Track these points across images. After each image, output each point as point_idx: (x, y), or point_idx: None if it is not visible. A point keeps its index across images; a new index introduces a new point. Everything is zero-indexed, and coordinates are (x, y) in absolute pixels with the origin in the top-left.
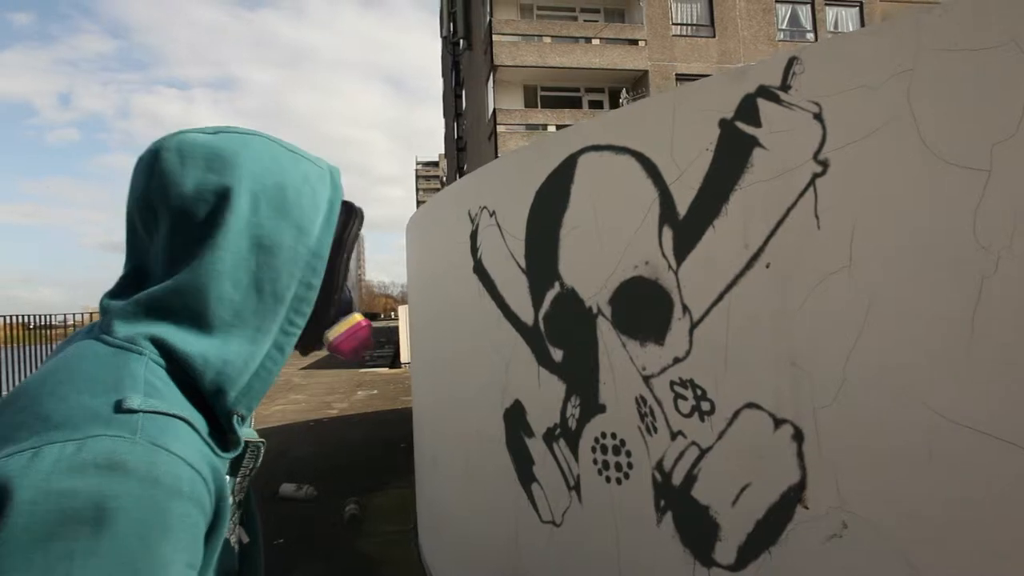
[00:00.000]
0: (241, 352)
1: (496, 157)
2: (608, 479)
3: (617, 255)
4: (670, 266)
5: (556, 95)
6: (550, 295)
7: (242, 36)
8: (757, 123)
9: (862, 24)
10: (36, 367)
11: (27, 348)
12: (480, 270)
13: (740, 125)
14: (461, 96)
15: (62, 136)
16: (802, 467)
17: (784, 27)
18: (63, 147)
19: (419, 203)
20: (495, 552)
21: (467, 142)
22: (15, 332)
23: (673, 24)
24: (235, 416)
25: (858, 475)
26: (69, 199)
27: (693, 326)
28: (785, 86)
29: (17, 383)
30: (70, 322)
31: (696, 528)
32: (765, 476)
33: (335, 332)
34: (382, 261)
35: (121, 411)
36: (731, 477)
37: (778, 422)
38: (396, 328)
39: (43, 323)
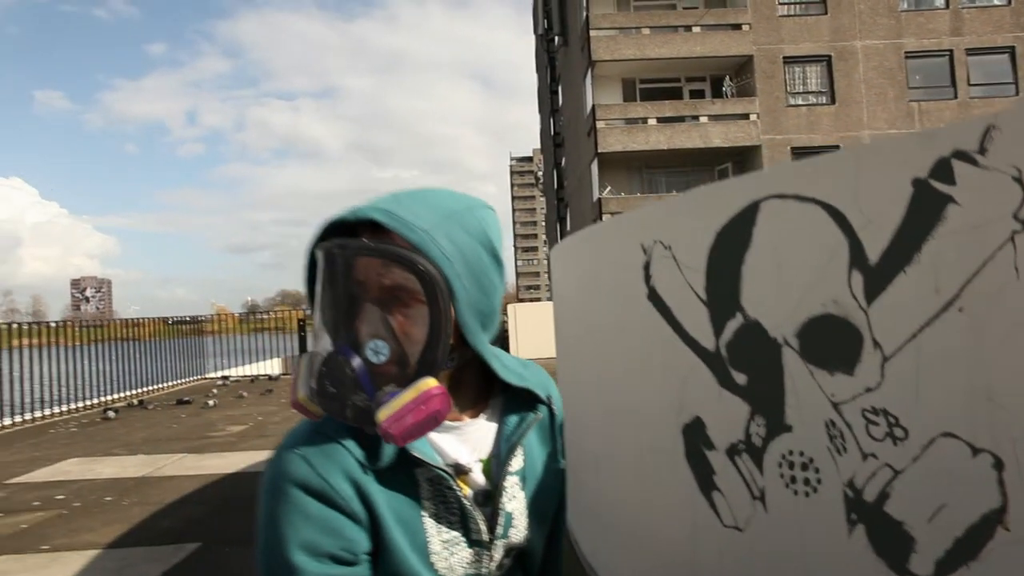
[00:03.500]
0: None
1: (596, 153)
2: (795, 492)
3: (802, 292)
4: (860, 306)
5: (655, 87)
6: (731, 324)
7: (340, 46)
8: (951, 182)
9: None
10: (174, 357)
11: (168, 342)
12: (654, 297)
13: (934, 183)
14: (557, 92)
15: (190, 150)
16: (1003, 493)
17: None
18: (190, 160)
19: (514, 199)
20: (669, 548)
21: (564, 138)
22: (158, 328)
23: (780, 4)
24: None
25: None
26: (196, 207)
27: (884, 360)
28: (982, 149)
29: (157, 371)
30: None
31: (890, 540)
32: (963, 499)
33: (385, 412)
34: None
35: (311, 434)
36: (926, 498)
37: (976, 451)
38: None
39: (179, 320)
